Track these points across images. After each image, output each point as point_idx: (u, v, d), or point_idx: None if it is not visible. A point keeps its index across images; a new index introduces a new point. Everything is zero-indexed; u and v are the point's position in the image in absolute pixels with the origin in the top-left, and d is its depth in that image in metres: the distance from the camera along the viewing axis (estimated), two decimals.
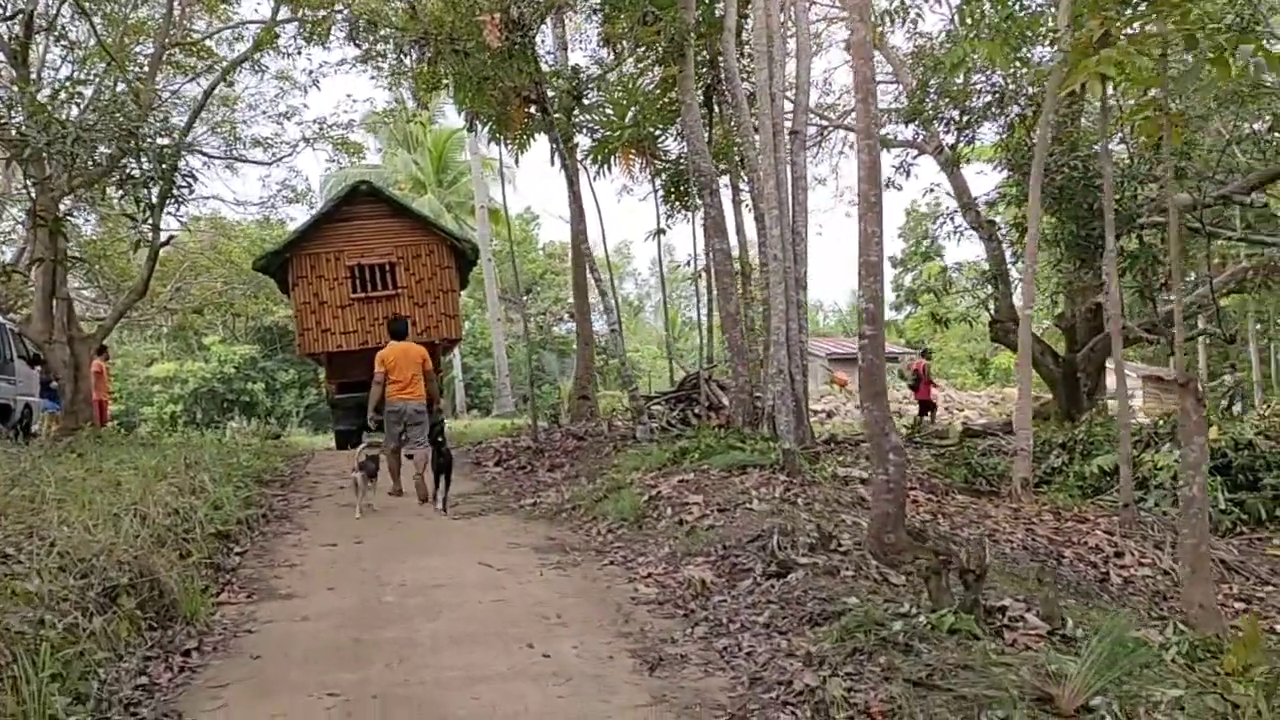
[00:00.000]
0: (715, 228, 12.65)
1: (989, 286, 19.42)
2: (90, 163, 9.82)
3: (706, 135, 14.36)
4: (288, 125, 20.76)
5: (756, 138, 11.53)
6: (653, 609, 6.09)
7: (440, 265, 19.90)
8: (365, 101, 20.65)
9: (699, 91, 14.36)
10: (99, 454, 10.06)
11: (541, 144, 16.46)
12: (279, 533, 8.82)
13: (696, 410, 13.80)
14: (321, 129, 19.39)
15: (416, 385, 10.50)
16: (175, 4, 16.79)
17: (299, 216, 34.40)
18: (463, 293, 22.54)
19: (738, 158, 14.63)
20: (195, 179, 10.91)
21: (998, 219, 19.95)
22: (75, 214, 20.77)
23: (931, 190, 21.05)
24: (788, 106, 12.25)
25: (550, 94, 14.56)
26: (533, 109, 16.74)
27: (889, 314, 52.09)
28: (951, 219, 20.09)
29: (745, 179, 16.39)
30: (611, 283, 13.77)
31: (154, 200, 10.42)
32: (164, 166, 10.17)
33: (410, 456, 10.48)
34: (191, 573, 6.60)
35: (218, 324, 36.21)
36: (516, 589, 6.65)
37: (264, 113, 21.09)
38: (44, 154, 9.72)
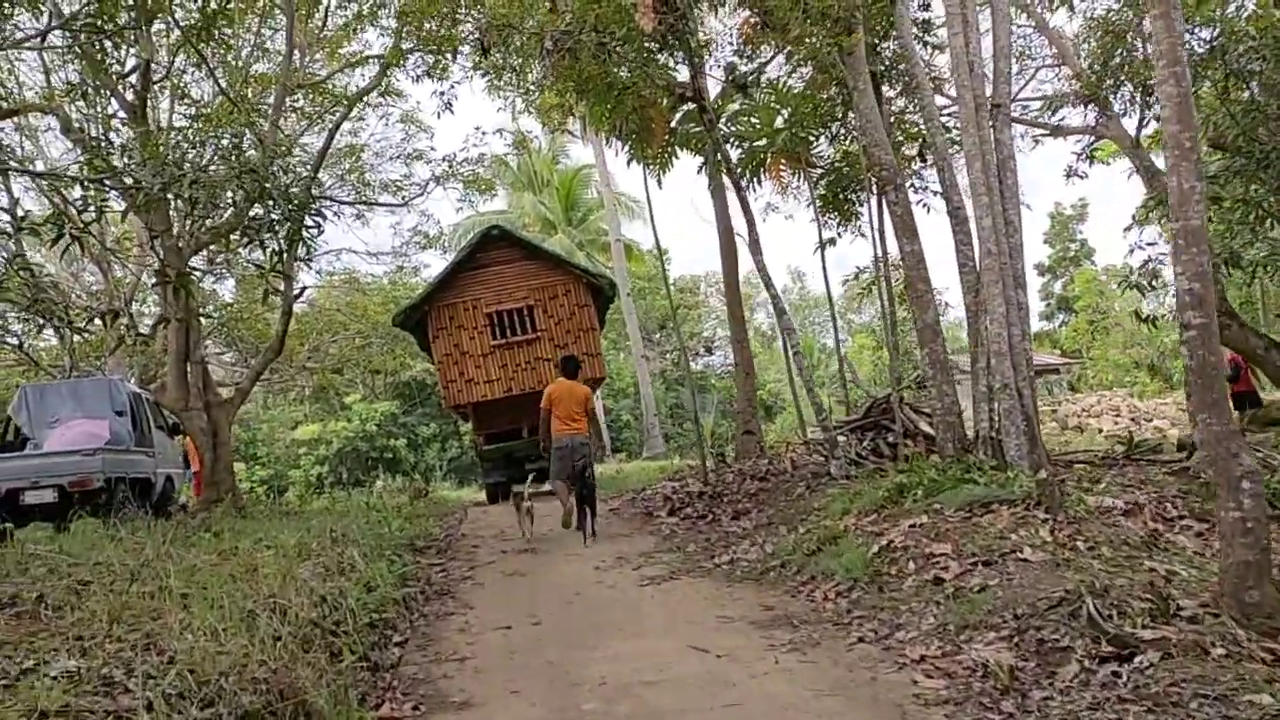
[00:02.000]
0: (904, 228, 10.99)
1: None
2: (212, 206, 8.87)
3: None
4: (416, 166, 19.93)
5: (946, 119, 9.92)
6: (949, 712, 4.49)
7: (578, 304, 18.91)
8: (496, 133, 19.81)
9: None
10: (236, 530, 9.00)
11: (679, 167, 15.14)
12: (441, 613, 7.50)
13: (890, 439, 12.09)
14: (451, 166, 18.50)
15: (580, 421, 11.03)
16: (295, 50, 16.14)
17: (433, 264, 33.88)
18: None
19: (916, 149, 12.99)
20: (324, 218, 9.81)
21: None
22: (211, 275, 20.41)
23: (1081, 174, 18.62)
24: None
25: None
26: (676, 118, 15.48)
27: (1036, 323, 49.00)
28: (1145, 208, 17.95)
29: (919, 174, 14.72)
30: (776, 300, 12.17)
31: (282, 247, 9.35)
32: (291, 207, 9.10)
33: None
34: (344, 679, 5.30)
35: (357, 382, 35.99)
36: (751, 685, 5.12)
37: (391, 157, 20.40)
38: (161, 199, 8.76)
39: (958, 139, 11.71)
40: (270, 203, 9.33)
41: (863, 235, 16.60)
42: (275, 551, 7.35)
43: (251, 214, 9.33)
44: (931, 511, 7.90)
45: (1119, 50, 15.92)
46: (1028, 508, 7.48)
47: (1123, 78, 16.97)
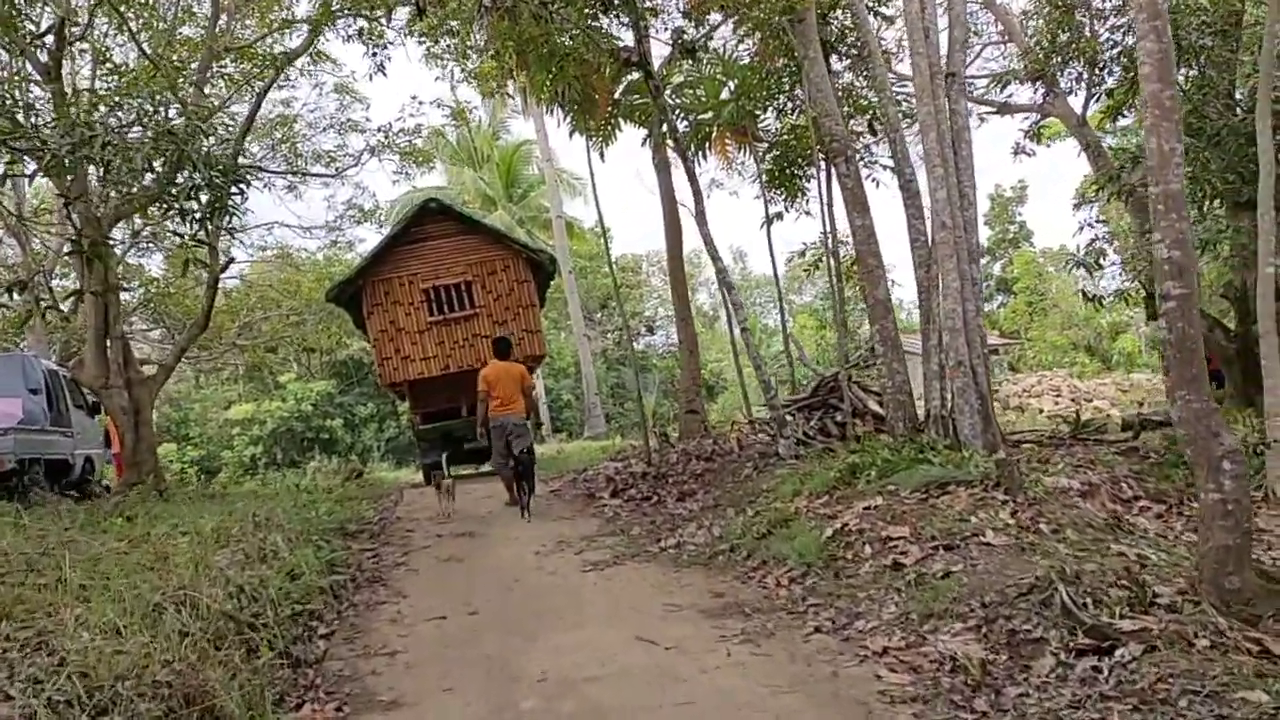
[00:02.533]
0: (854, 201, 10.68)
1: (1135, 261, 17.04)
2: (129, 171, 8.25)
3: None
4: (351, 137, 19.17)
5: (896, 91, 9.61)
6: (918, 711, 4.17)
7: (518, 280, 18.39)
8: (434, 104, 19.05)
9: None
10: (152, 515, 8.44)
11: (622, 142, 14.73)
12: (372, 602, 7.04)
13: (838, 418, 11.82)
14: (387, 137, 17.82)
15: (517, 402, 11.21)
16: (222, 13, 15.37)
17: (368, 238, 33.05)
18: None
19: (865, 123, 12.67)
20: (248, 185, 9.23)
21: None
22: (135, 249, 19.54)
23: (1029, 152, 18.50)
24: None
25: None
26: (620, 89, 15.05)
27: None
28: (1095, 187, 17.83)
29: (868, 148, 14.45)
30: (722, 281, 11.79)
31: (204, 215, 8.78)
32: (213, 173, 8.51)
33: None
34: (261, 678, 4.86)
35: (291, 360, 35.09)
36: (703, 680, 4.76)
37: (325, 128, 19.65)
38: (73, 162, 8.12)
39: (909, 112, 11.45)
40: (191, 168, 8.75)
41: (808, 213, 16.31)
42: (191, 538, 6.85)
43: (172, 181, 8.70)
44: (886, 493, 7.61)
45: (1067, 27, 15.77)
46: (986, 489, 7.22)
47: (1071, 54, 16.84)
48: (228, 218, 9.01)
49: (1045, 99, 18.34)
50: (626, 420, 43.57)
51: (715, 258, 11.14)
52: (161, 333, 23.85)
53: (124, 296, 22.11)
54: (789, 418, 12.37)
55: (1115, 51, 15.68)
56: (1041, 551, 5.69)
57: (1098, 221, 16.14)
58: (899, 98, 12.52)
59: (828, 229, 12.06)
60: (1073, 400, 27.45)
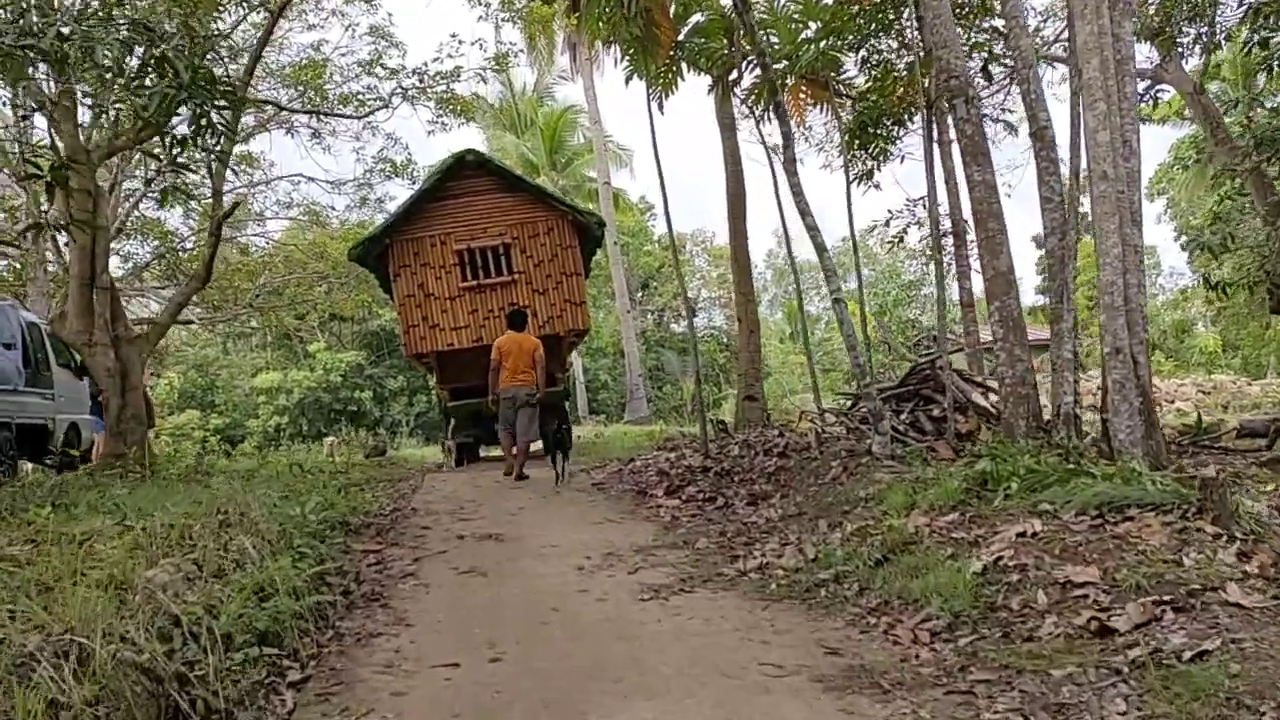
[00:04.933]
0: (975, 151, 8.79)
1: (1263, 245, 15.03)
2: (86, 68, 6.61)
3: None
4: (382, 83, 17.39)
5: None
6: None
7: (562, 245, 16.67)
8: (475, 44, 17.19)
9: None
10: (101, 502, 6.78)
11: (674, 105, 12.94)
12: (365, 634, 5.32)
13: (935, 412, 10.00)
14: (421, 80, 16.06)
15: (528, 374, 11.76)
16: None
17: (400, 196, 31.27)
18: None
19: (984, 55, 10.72)
20: (235, 94, 7.51)
21: None
22: (151, 196, 17.96)
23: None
24: None
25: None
26: (684, 31, 13.28)
27: (1033, 297, 46.85)
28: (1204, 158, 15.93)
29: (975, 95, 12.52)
30: (815, 233, 9.84)
31: (183, 134, 7.10)
32: (196, 79, 6.81)
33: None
34: None
35: (317, 329, 33.60)
36: None
37: (355, 76, 17.93)
38: (12, 58, 6.47)
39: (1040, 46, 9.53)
40: (172, 74, 7.05)
41: (877, 186, 14.42)
42: (128, 540, 5.16)
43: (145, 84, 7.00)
44: (1040, 515, 5.80)
45: None
46: (1185, 516, 5.40)
47: (1192, 11, 14.89)
48: (215, 139, 7.32)
49: (1161, 63, 16.36)
50: (665, 404, 41.85)
51: (805, 214, 9.28)
52: (175, 291, 22.31)
53: (137, 250, 20.70)
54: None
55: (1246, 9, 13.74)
56: None
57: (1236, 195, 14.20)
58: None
59: (936, 183, 10.12)
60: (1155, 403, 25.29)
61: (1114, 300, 7.20)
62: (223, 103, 7.07)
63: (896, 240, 14.94)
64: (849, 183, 12.32)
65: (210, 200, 12.15)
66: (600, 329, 42.08)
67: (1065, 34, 14.66)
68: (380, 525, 8.55)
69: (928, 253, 16.09)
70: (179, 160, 7.53)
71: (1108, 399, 7.38)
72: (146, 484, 8.57)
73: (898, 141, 13.39)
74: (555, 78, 35.43)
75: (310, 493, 7.93)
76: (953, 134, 13.93)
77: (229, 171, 12.72)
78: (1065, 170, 8.90)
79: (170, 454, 17.78)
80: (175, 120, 7.60)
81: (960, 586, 5.00)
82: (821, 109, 14.71)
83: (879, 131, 13.42)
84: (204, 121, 7.08)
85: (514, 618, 5.52)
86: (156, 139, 7.76)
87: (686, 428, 18.00)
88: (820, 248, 9.30)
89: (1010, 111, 14.87)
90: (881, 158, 13.64)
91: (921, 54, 9.50)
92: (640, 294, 47.63)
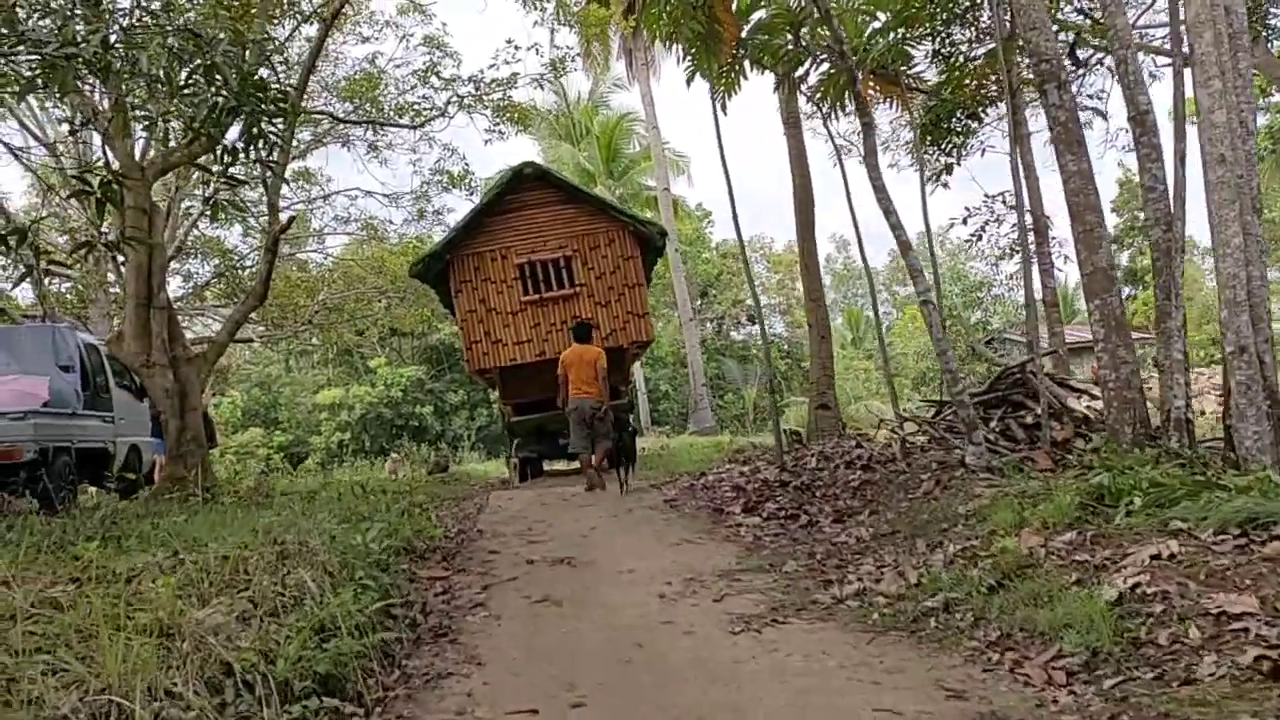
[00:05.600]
0: (1068, 139, 8.19)
1: None
2: (131, 76, 6.34)
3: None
4: (438, 93, 17.13)
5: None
6: None
7: (623, 255, 16.35)
8: (532, 49, 16.95)
9: None
10: (150, 534, 6.46)
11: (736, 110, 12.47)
12: (432, 675, 4.90)
13: (1028, 419, 9.38)
14: (477, 88, 15.78)
15: (593, 385, 11.84)
16: None
17: (458, 208, 31.13)
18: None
19: (1069, 39, 10.08)
20: (287, 100, 7.17)
21: None
22: (209, 215, 17.87)
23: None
24: None
25: None
26: (748, 27, 12.84)
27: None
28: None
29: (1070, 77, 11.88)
30: (898, 231, 9.30)
31: (235, 144, 6.79)
32: (248, 88, 6.50)
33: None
34: None
35: (376, 345, 33.59)
36: None
37: (411, 87, 17.71)
38: (57, 68, 6.18)
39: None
40: (222, 83, 6.75)
41: (945, 185, 13.79)
42: (179, 575, 4.80)
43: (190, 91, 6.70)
44: (1175, 534, 5.22)
45: None
46: None
47: None
48: (267, 149, 7.00)
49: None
50: (726, 413, 41.30)
51: (889, 213, 8.72)
52: (234, 309, 22.30)
53: (198, 269, 20.68)
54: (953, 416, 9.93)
55: None
56: None
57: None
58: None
59: (1020, 179, 9.48)
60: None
61: (1236, 295, 6.58)
62: (274, 109, 6.75)
63: (975, 238, 14.33)
64: (924, 181, 11.78)
65: (267, 216, 11.90)
66: (660, 339, 41.73)
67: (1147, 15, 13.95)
68: (446, 549, 8.16)
69: (999, 250, 15.39)
70: (231, 174, 7.24)
71: (1230, 402, 6.75)
72: (204, 510, 8.27)
73: (974, 136, 12.78)
74: (610, 85, 35.21)
75: (372, 516, 7.54)
76: (1030, 125, 13.40)
77: (285, 186, 12.51)
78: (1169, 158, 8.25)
79: (233, 474, 17.65)
80: (228, 133, 7.36)
81: (1095, 618, 4.45)
82: (891, 105, 14.14)
83: (953, 126, 12.82)
84: (255, 130, 6.78)
85: (594, 655, 5.07)
86: (209, 154, 7.47)
87: (754, 438, 17.45)
88: (906, 246, 8.76)
89: (1092, 98, 14.20)
90: (958, 153, 13.03)
91: (1004, 40, 8.91)
92: (700, 302, 47.16)
